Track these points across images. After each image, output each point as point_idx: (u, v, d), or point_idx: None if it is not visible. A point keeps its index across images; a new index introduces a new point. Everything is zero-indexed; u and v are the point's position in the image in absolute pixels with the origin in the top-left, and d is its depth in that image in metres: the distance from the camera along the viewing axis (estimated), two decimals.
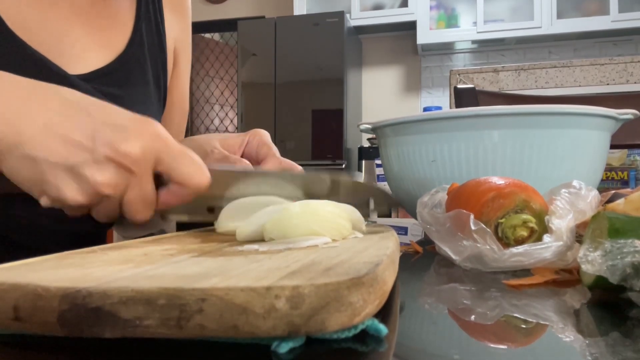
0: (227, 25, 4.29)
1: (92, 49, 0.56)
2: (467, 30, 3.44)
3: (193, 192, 0.38)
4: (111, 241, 0.57)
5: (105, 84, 0.56)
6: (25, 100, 0.36)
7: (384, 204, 0.46)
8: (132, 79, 0.59)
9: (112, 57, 0.58)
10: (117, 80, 0.57)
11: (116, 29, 0.59)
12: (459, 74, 2.31)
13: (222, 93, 4.79)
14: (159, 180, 0.38)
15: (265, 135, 0.57)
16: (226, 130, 4.72)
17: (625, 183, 1.36)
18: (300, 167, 0.56)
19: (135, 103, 0.59)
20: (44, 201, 0.36)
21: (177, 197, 0.38)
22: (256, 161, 0.57)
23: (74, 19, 0.55)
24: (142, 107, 0.60)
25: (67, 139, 0.35)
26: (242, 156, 0.57)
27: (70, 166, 0.34)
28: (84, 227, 0.59)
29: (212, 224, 0.43)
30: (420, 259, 0.45)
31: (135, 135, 0.35)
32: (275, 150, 0.56)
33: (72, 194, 0.35)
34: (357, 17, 3.57)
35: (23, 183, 0.36)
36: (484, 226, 0.37)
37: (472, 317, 0.27)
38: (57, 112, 0.36)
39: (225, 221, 0.40)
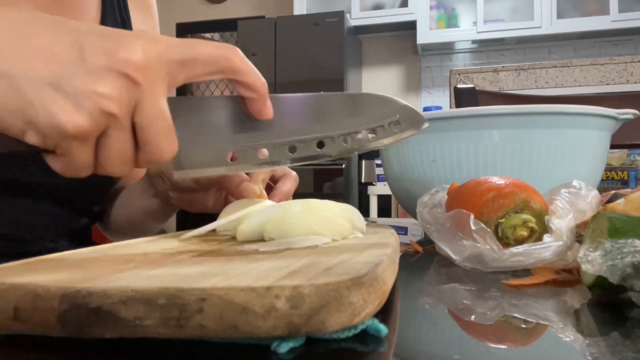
0: (227, 25, 4.29)
1: None
2: (467, 30, 3.44)
3: (258, 96, 0.32)
4: (109, 241, 0.57)
5: None
6: None
7: (409, 120, 0.41)
8: None
9: None
10: None
11: None
12: (459, 74, 2.31)
13: (222, 93, 4.79)
14: None
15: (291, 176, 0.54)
16: None
17: (625, 183, 1.36)
18: (294, 174, 0.54)
19: None
20: (31, 137, 0.27)
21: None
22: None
23: None
24: None
25: (48, 53, 0.27)
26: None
27: (56, 81, 0.27)
28: (77, 224, 0.59)
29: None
30: (420, 259, 0.45)
31: (132, 41, 0.28)
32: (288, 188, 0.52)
33: (69, 115, 0.26)
34: (357, 16, 3.56)
35: (1, 114, 0.27)
36: (484, 226, 0.37)
37: (472, 317, 0.27)
38: (28, 23, 0.29)
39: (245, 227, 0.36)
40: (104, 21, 0.61)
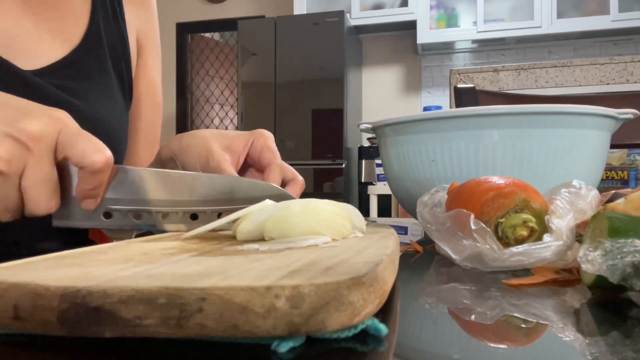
0: (227, 25, 4.30)
1: (44, 43, 0.55)
2: (467, 30, 3.44)
3: (94, 172, 0.36)
4: (105, 239, 0.56)
5: (61, 77, 0.55)
6: None
7: None
8: (91, 71, 0.58)
9: (68, 51, 0.57)
10: (75, 73, 0.56)
11: (71, 22, 0.59)
12: (459, 74, 2.31)
13: (222, 92, 4.79)
14: (64, 174, 0.37)
15: (269, 138, 0.54)
16: (226, 129, 4.71)
17: (625, 183, 1.36)
18: (302, 179, 0.54)
19: (96, 95, 0.58)
20: None
21: (82, 183, 0.36)
22: (259, 165, 0.55)
23: (24, 13, 0.54)
24: (103, 99, 0.59)
25: None
26: (245, 158, 0.55)
27: None
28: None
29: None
30: (420, 259, 0.45)
31: (36, 115, 0.34)
32: (278, 157, 0.53)
33: None
34: (357, 16, 3.57)
35: None
36: (484, 226, 0.37)
37: (472, 317, 0.27)
38: None
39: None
40: (93, 13, 0.61)
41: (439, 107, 3.46)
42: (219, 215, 0.42)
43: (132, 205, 0.40)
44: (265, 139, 0.54)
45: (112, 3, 0.64)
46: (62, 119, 0.35)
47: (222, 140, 0.55)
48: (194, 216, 0.42)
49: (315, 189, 3.29)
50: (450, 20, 3.52)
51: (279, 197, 0.42)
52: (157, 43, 0.73)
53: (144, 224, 0.41)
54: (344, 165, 3.31)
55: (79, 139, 0.35)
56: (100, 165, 0.35)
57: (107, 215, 0.40)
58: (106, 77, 0.60)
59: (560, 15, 3.27)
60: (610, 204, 0.36)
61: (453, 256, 0.40)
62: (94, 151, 0.35)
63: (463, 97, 1.10)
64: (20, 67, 0.52)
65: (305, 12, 3.63)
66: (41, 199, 0.35)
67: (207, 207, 0.42)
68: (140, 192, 0.41)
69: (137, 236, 0.42)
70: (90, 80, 0.58)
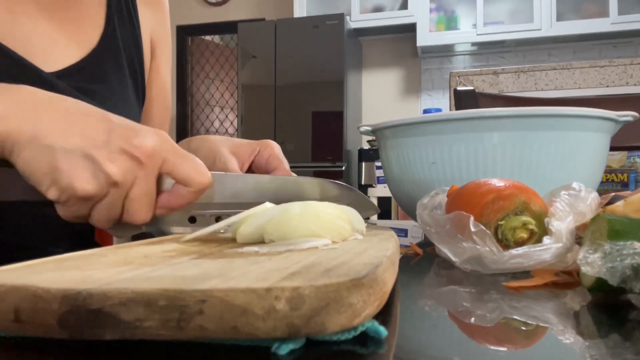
0: (227, 28, 4.30)
1: (63, 44, 0.56)
2: (466, 33, 3.45)
3: (195, 191, 0.39)
4: (111, 243, 0.56)
5: (79, 80, 0.55)
6: (44, 103, 0.38)
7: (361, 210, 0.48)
8: (108, 74, 0.59)
9: (85, 53, 0.57)
10: (92, 75, 0.57)
11: (87, 24, 0.59)
12: (458, 76, 2.31)
13: (222, 95, 4.80)
14: (160, 186, 0.40)
15: (276, 147, 0.58)
16: (226, 132, 4.73)
17: (625, 185, 1.36)
18: None
19: (112, 98, 0.59)
20: (52, 193, 0.36)
21: (178, 198, 0.39)
22: (265, 171, 0.57)
23: (41, 15, 0.55)
24: (119, 101, 0.60)
25: (84, 133, 0.36)
26: (251, 165, 0.58)
27: (85, 153, 0.35)
28: (80, 227, 0.59)
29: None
30: (420, 261, 0.45)
31: (148, 133, 0.38)
32: (285, 163, 0.57)
33: (83, 182, 0.35)
34: (357, 19, 3.57)
35: (35, 173, 0.36)
36: (484, 228, 0.37)
37: (472, 320, 0.27)
38: (76, 111, 0.38)
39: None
40: (109, 15, 0.61)
41: (439, 110, 3.46)
42: None
43: (214, 209, 0.43)
44: (272, 148, 0.57)
45: (127, 5, 0.64)
46: (169, 139, 0.39)
47: (230, 145, 0.58)
48: None
49: None
50: (450, 22, 3.53)
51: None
52: (169, 44, 0.73)
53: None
54: (344, 168, 3.31)
55: (187, 159, 0.39)
56: (205, 186, 0.39)
57: (192, 219, 0.43)
58: (122, 80, 0.61)
59: (559, 17, 3.28)
60: (610, 207, 0.36)
61: (453, 258, 0.40)
62: (201, 172, 0.39)
63: (463, 99, 1.10)
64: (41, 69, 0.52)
65: (305, 15, 3.64)
66: (142, 210, 0.38)
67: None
68: (223, 196, 0.44)
69: (136, 238, 0.43)
70: (107, 82, 0.59)
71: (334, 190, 0.47)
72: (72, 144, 0.36)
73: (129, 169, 0.36)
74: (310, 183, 0.47)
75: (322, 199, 0.46)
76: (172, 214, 0.42)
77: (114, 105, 0.58)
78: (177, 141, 0.72)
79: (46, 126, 0.36)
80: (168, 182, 0.40)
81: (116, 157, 0.36)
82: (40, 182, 0.36)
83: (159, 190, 0.40)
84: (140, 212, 0.38)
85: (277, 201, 0.44)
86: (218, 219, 0.44)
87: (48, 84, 0.51)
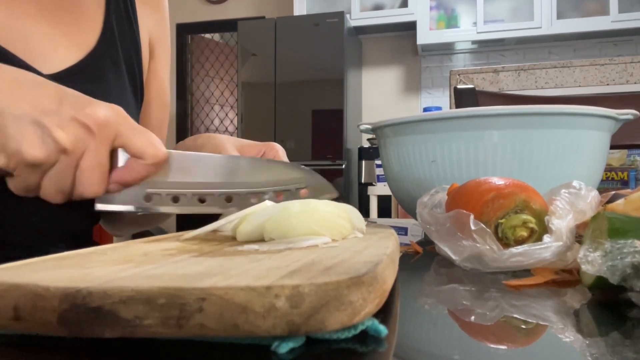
0: (227, 26, 4.30)
1: (61, 46, 0.56)
2: (467, 31, 3.44)
3: (149, 164, 0.39)
4: (110, 242, 0.57)
5: (78, 81, 0.55)
6: None
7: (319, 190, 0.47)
8: (106, 74, 0.59)
9: (84, 54, 0.57)
10: (91, 76, 0.57)
11: (86, 25, 0.59)
12: (458, 74, 2.31)
13: (222, 93, 4.79)
14: (114, 162, 0.39)
15: (280, 150, 0.59)
16: (226, 131, 4.72)
17: (625, 183, 1.36)
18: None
19: (111, 98, 0.59)
20: (0, 159, 0.35)
21: (132, 172, 0.39)
22: None
23: (40, 16, 0.55)
24: (117, 101, 0.59)
25: (34, 100, 0.36)
26: None
27: (34, 119, 0.35)
28: (79, 227, 0.59)
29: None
30: (420, 259, 0.45)
31: (101, 104, 0.37)
32: None
33: (31, 147, 0.35)
34: (357, 17, 3.57)
35: None
36: (484, 226, 0.37)
37: (472, 318, 0.27)
38: (28, 80, 0.38)
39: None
40: (107, 15, 0.61)
41: (439, 108, 3.46)
42: (253, 199, 0.45)
43: (172, 189, 0.42)
44: (277, 150, 0.58)
45: (125, 5, 0.64)
46: (123, 112, 0.38)
47: (236, 144, 0.59)
48: (228, 199, 0.43)
49: None
50: (450, 21, 3.52)
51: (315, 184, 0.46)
52: (168, 44, 0.73)
53: (181, 206, 0.42)
54: (344, 166, 3.31)
55: (141, 133, 0.38)
56: (159, 159, 0.39)
57: (147, 198, 0.42)
58: (120, 80, 0.61)
59: (560, 15, 3.27)
60: (610, 205, 0.36)
61: (453, 257, 0.40)
62: (155, 146, 0.38)
63: (463, 97, 1.10)
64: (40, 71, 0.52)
65: (305, 13, 3.64)
66: (94, 182, 0.37)
67: (244, 190, 0.44)
68: (179, 175, 0.42)
69: (136, 237, 0.43)
70: (106, 83, 0.59)
71: (298, 173, 0.46)
72: (21, 110, 0.35)
73: (79, 137, 0.36)
74: (264, 164, 0.46)
75: (286, 180, 0.46)
76: (127, 191, 0.41)
77: None
78: (177, 140, 0.72)
79: None
80: (122, 159, 0.39)
81: (66, 124, 0.35)
82: None
83: (113, 166, 0.39)
84: (91, 184, 0.37)
85: (240, 182, 0.43)
86: (175, 199, 0.43)
87: None
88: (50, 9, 0.56)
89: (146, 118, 0.70)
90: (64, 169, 0.36)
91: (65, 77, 0.54)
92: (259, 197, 0.44)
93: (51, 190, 0.37)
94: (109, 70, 0.59)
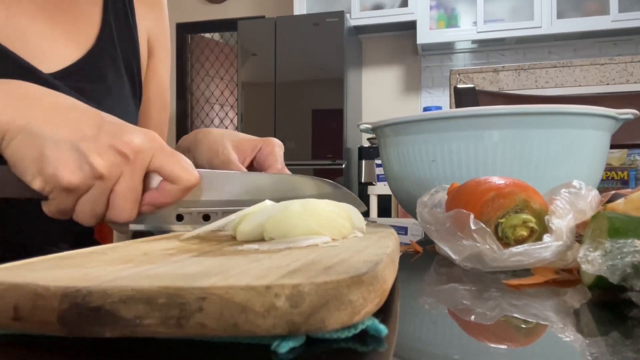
0: (227, 25, 4.30)
1: (60, 45, 0.56)
2: (467, 30, 3.44)
3: (182, 189, 0.39)
4: (111, 241, 0.57)
5: (77, 80, 0.56)
6: (37, 96, 0.39)
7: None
8: (104, 74, 0.59)
9: (82, 53, 0.57)
10: (89, 75, 0.57)
11: (84, 24, 0.59)
12: (459, 74, 2.31)
13: (222, 93, 4.79)
14: (147, 184, 0.40)
15: (277, 146, 0.59)
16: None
17: (625, 183, 1.36)
18: None
19: (110, 97, 0.59)
20: (37, 182, 0.36)
21: (165, 195, 0.40)
22: (262, 168, 0.58)
23: (39, 15, 0.55)
24: (115, 100, 0.60)
25: (73, 126, 0.37)
26: (252, 160, 0.59)
27: (73, 145, 0.36)
28: (80, 226, 0.59)
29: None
30: (420, 259, 0.45)
31: (137, 131, 0.38)
32: (280, 162, 0.58)
33: (68, 172, 0.35)
34: (357, 17, 3.57)
35: (22, 160, 0.36)
36: (484, 226, 0.37)
37: (472, 317, 0.27)
38: (68, 105, 0.39)
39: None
40: (105, 14, 0.61)
41: (439, 108, 3.46)
42: None
43: (202, 207, 0.43)
44: (273, 146, 0.58)
45: (123, 4, 0.64)
46: (158, 138, 0.39)
47: (233, 140, 0.59)
48: None
49: None
50: (450, 20, 3.52)
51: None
52: (167, 43, 0.73)
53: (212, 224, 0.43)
54: (344, 166, 3.31)
55: (174, 158, 0.39)
56: (192, 184, 0.40)
57: (179, 217, 0.43)
58: (119, 79, 0.61)
59: (560, 15, 3.27)
60: (610, 204, 0.36)
61: (453, 256, 0.40)
62: (188, 170, 0.39)
63: (463, 97, 1.10)
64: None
65: (305, 13, 3.63)
66: (127, 207, 0.38)
67: None
68: (210, 193, 0.44)
69: (136, 236, 0.43)
70: (104, 82, 0.59)
71: (327, 189, 0.47)
72: (61, 135, 0.36)
73: (115, 163, 0.37)
74: (305, 181, 0.47)
75: (318, 196, 0.47)
76: (158, 213, 0.42)
77: (110, 105, 0.58)
78: (177, 139, 0.72)
79: (37, 117, 0.37)
80: (155, 181, 0.40)
81: (104, 151, 0.36)
82: (26, 170, 0.36)
83: (146, 189, 0.40)
84: (124, 208, 0.38)
85: (272, 198, 0.44)
86: (206, 217, 0.44)
87: (46, 85, 0.51)
88: (49, 8, 0.56)
89: (146, 117, 0.70)
90: (98, 194, 0.37)
91: (64, 76, 0.54)
92: None
93: (85, 214, 0.38)
94: (107, 68, 0.59)
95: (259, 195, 0.45)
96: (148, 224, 0.42)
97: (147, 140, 0.38)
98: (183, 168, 0.39)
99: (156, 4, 0.70)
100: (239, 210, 0.42)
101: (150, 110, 0.71)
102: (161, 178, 0.40)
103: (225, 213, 0.43)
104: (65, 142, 0.36)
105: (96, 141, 0.36)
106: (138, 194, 0.39)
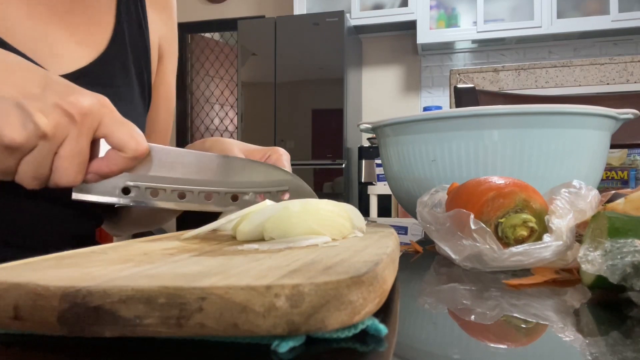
0: (227, 25, 4.29)
1: (72, 48, 0.56)
2: (467, 30, 3.44)
3: (129, 157, 0.38)
4: (111, 241, 0.57)
5: (87, 83, 0.55)
6: None
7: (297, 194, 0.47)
8: (115, 77, 0.59)
9: (94, 56, 0.58)
10: (100, 79, 0.57)
11: (97, 28, 0.59)
12: (459, 74, 2.31)
13: (222, 93, 4.79)
14: (95, 153, 0.39)
15: (284, 155, 0.59)
16: (226, 130, 4.72)
17: (625, 183, 1.36)
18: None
19: (119, 101, 0.59)
20: None
21: (110, 164, 0.38)
22: None
23: (52, 18, 0.55)
24: (126, 105, 0.60)
25: (19, 84, 0.36)
26: None
27: (17, 102, 0.35)
28: (82, 229, 0.59)
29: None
30: (420, 259, 0.45)
31: (86, 94, 0.37)
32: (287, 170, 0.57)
33: (11, 130, 0.34)
34: (357, 16, 3.56)
35: None
36: (484, 226, 0.37)
37: (472, 317, 0.27)
38: (16, 64, 0.38)
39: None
40: (118, 19, 0.61)
41: (439, 107, 3.46)
42: (233, 199, 0.44)
43: (150, 182, 0.42)
44: (280, 155, 0.58)
45: (136, 9, 0.64)
46: (108, 104, 0.38)
47: (242, 148, 0.59)
48: (208, 197, 0.43)
49: (315, 189, 3.28)
50: (450, 20, 3.52)
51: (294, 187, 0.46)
52: (176, 48, 0.74)
53: (159, 201, 0.42)
54: (344, 165, 3.30)
55: (124, 125, 0.38)
56: (140, 153, 0.38)
57: (126, 190, 0.41)
58: (129, 83, 0.61)
59: (560, 15, 3.27)
60: (610, 204, 0.36)
61: (453, 256, 0.40)
62: (136, 139, 0.38)
63: (463, 97, 1.10)
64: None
65: (305, 12, 3.63)
66: (71, 171, 0.37)
67: (224, 189, 0.44)
68: (160, 169, 0.42)
69: (136, 237, 0.43)
70: (114, 86, 0.59)
71: (277, 176, 0.46)
72: (5, 93, 0.35)
73: (60, 124, 0.35)
74: (257, 166, 0.46)
75: (268, 182, 0.46)
76: (105, 182, 0.40)
77: (119, 108, 0.58)
78: (177, 139, 0.72)
79: None
80: (103, 150, 0.39)
81: (49, 110, 0.35)
82: None
83: (93, 156, 0.39)
84: (69, 172, 0.37)
85: (219, 180, 0.43)
86: (154, 192, 0.42)
87: None
88: (62, 11, 0.56)
89: (153, 121, 0.71)
90: (42, 155, 0.36)
91: (74, 79, 0.54)
92: (239, 197, 0.44)
93: (27, 175, 0.37)
94: (118, 73, 0.60)
95: (212, 176, 0.43)
96: (93, 194, 0.41)
97: (96, 103, 0.37)
98: (132, 136, 0.38)
99: (167, 9, 0.70)
100: (189, 189, 0.42)
101: (159, 114, 0.72)
102: (109, 147, 0.39)
103: (175, 191, 0.42)
104: (9, 100, 0.35)
105: (42, 100, 0.35)
106: (84, 158, 0.38)
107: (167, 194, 0.42)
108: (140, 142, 0.38)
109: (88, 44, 0.58)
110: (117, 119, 0.38)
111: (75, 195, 0.40)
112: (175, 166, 0.42)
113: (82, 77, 0.55)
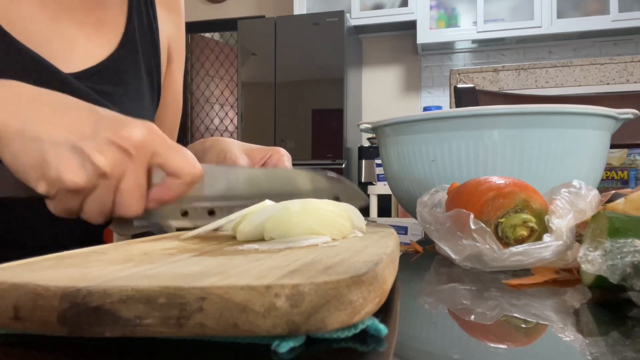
0: (227, 25, 4.29)
1: (83, 46, 0.56)
2: (467, 30, 3.44)
3: (185, 183, 0.39)
4: (111, 241, 0.57)
5: (98, 82, 0.56)
6: (31, 97, 0.38)
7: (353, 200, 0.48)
8: (125, 77, 0.59)
9: (105, 55, 0.58)
10: (110, 78, 0.57)
11: (108, 27, 0.59)
12: (459, 74, 2.31)
13: (222, 92, 4.79)
14: (151, 180, 0.39)
15: (285, 155, 0.60)
16: (226, 130, 4.72)
17: (625, 183, 1.36)
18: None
19: (128, 100, 0.59)
20: (41, 186, 0.36)
21: (169, 190, 0.39)
22: None
23: (64, 17, 0.55)
24: (135, 104, 0.60)
25: (71, 125, 0.36)
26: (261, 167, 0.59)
27: (73, 145, 0.35)
28: (84, 227, 0.59)
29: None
30: (420, 259, 0.45)
31: (136, 125, 0.37)
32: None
33: (71, 174, 0.35)
34: (357, 16, 3.56)
35: (23, 167, 0.36)
36: (484, 225, 0.37)
37: (472, 317, 0.27)
38: (63, 104, 0.38)
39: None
40: (129, 19, 0.61)
41: (439, 107, 3.46)
42: None
43: (206, 202, 0.43)
44: (281, 155, 0.59)
45: (147, 9, 0.64)
46: (158, 131, 0.39)
47: (242, 147, 0.60)
48: None
49: None
50: (450, 20, 3.52)
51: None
52: (183, 49, 0.74)
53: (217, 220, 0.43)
54: (344, 165, 3.30)
55: (176, 151, 0.38)
56: (195, 178, 0.39)
57: (184, 213, 0.42)
58: (139, 83, 0.61)
59: (560, 15, 3.27)
60: (610, 204, 0.36)
61: (453, 256, 0.40)
62: (191, 164, 0.39)
63: (463, 97, 1.10)
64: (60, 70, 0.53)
65: (305, 12, 3.63)
66: (133, 203, 0.38)
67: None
68: (213, 188, 0.43)
69: (136, 236, 0.43)
70: (125, 85, 0.59)
71: (323, 182, 0.47)
72: (59, 137, 0.35)
73: (117, 160, 0.36)
74: (301, 175, 0.47)
75: (314, 189, 0.46)
76: (164, 208, 0.41)
77: (129, 108, 0.59)
78: (177, 139, 0.72)
79: (33, 119, 0.36)
80: (159, 176, 0.40)
81: (104, 148, 0.35)
82: (29, 176, 0.36)
83: (150, 184, 0.39)
84: (131, 204, 0.38)
85: (271, 193, 0.44)
86: (211, 212, 0.43)
87: (66, 85, 0.52)
88: (74, 9, 0.56)
89: (161, 121, 0.71)
90: (104, 192, 0.37)
91: (84, 77, 0.54)
92: None
93: (93, 212, 0.38)
94: (128, 72, 0.60)
95: (257, 189, 0.44)
96: (154, 219, 0.42)
97: (147, 134, 0.37)
98: (186, 162, 0.39)
99: (176, 10, 0.71)
100: (242, 204, 0.42)
101: (167, 114, 0.72)
102: (164, 174, 0.39)
103: (230, 208, 0.43)
104: (64, 144, 0.35)
105: (95, 139, 0.35)
106: (143, 189, 0.38)
107: (224, 211, 0.43)
108: (194, 166, 0.39)
109: (99, 42, 0.58)
110: (169, 145, 0.38)
111: (137, 223, 0.41)
112: (225, 183, 0.44)
113: (92, 76, 0.55)
